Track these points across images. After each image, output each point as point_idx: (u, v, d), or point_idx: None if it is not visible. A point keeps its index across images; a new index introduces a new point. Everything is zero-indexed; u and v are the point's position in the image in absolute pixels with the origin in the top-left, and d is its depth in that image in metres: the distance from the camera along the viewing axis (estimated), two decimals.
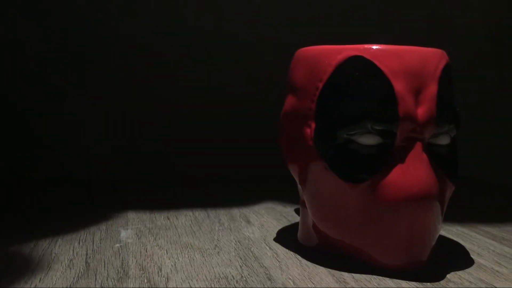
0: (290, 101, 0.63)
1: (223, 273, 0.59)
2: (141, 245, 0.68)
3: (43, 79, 1.13)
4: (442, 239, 0.74)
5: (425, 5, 1.28)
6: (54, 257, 0.63)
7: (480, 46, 1.33)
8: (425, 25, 1.28)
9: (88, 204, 0.91)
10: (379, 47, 0.57)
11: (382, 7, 1.25)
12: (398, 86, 0.55)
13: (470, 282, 0.57)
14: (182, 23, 1.17)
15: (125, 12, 1.14)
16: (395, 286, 0.55)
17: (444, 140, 0.59)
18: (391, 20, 1.26)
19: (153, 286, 0.55)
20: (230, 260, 0.63)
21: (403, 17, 1.27)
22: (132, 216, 0.83)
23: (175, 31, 1.17)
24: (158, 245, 0.68)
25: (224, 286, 0.55)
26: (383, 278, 0.58)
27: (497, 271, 0.61)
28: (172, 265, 0.61)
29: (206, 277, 0.57)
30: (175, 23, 1.17)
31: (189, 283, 0.56)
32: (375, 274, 0.59)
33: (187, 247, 0.68)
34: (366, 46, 0.57)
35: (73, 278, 0.57)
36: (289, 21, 1.22)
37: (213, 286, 0.55)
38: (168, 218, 0.82)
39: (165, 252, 0.66)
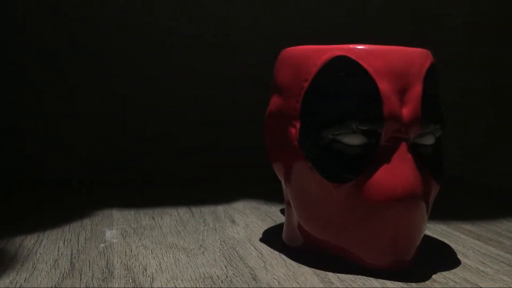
0: (275, 101, 0.63)
1: (208, 273, 0.59)
2: (126, 245, 0.68)
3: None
4: (427, 239, 0.74)
5: (410, 5, 1.28)
6: (39, 257, 0.63)
7: (466, 46, 1.34)
8: (409, 26, 1.28)
9: (73, 204, 0.90)
10: (364, 47, 0.57)
11: (367, 8, 1.26)
12: (383, 86, 0.55)
13: (455, 282, 0.57)
14: (175, 25, 1.17)
15: (116, 13, 1.14)
16: (380, 286, 0.55)
17: (429, 140, 0.59)
18: (376, 20, 1.26)
19: (138, 286, 0.54)
20: (215, 260, 0.63)
21: (388, 17, 1.27)
22: (117, 216, 0.83)
23: (167, 32, 1.17)
24: (143, 245, 0.68)
25: (209, 286, 0.55)
26: (368, 278, 0.58)
27: (482, 271, 0.61)
28: (157, 265, 0.61)
29: (191, 277, 0.57)
30: (168, 24, 1.17)
31: (174, 283, 0.56)
32: (360, 274, 0.59)
33: (172, 247, 0.68)
34: (351, 46, 0.57)
35: (58, 278, 0.56)
36: (276, 21, 1.22)
37: (198, 286, 0.55)
38: (153, 218, 0.82)
39: (150, 252, 0.66)
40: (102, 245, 0.68)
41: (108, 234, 0.73)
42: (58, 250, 0.66)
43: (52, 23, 1.12)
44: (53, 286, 0.54)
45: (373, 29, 1.26)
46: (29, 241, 0.69)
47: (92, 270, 0.59)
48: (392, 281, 0.57)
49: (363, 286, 0.55)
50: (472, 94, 1.35)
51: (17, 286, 0.54)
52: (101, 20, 1.14)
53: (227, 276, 0.58)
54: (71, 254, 0.64)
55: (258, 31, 1.21)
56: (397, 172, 0.55)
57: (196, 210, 0.88)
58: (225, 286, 0.55)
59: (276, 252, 0.66)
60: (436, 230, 0.78)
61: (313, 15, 1.23)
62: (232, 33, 1.20)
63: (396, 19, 1.28)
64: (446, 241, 0.73)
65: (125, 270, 0.59)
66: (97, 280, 0.56)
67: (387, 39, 1.23)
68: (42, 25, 1.11)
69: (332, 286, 0.55)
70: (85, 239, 0.70)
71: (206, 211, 0.87)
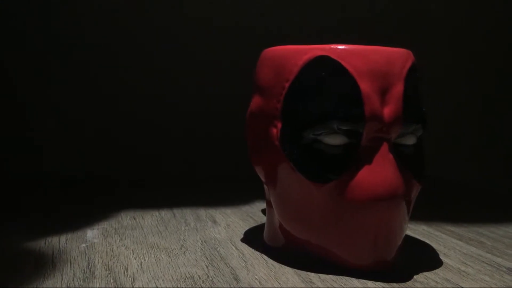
0: (256, 101, 0.63)
1: (189, 273, 0.58)
2: (107, 245, 0.68)
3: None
4: (409, 239, 0.74)
5: (396, 6, 1.28)
6: (19, 257, 0.63)
7: (446, 48, 1.34)
8: (393, 26, 1.29)
9: (54, 204, 0.90)
10: (345, 47, 0.57)
11: (354, 8, 1.26)
12: (364, 86, 0.55)
13: (436, 282, 0.58)
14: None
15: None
16: (361, 286, 0.56)
17: (410, 140, 0.59)
18: (359, 20, 1.27)
19: (119, 286, 0.54)
20: (196, 260, 0.63)
21: (373, 18, 1.27)
22: (98, 215, 0.83)
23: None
24: (124, 245, 0.68)
25: (190, 286, 0.55)
26: (349, 278, 0.58)
27: (463, 271, 0.61)
28: (138, 265, 0.61)
29: (172, 277, 0.57)
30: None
31: (155, 283, 0.55)
32: (341, 274, 0.59)
33: (153, 247, 0.68)
34: (332, 46, 0.57)
35: (39, 279, 0.56)
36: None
37: (179, 286, 0.55)
38: (134, 218, 0.82)
39: (131, 252, 0.65)
40: (83, 245, 0.68)
41: (89, 234, 0.73)
42: (39, 250, 0.65)
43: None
44: (35, 287, 0.54)
45: (357, 29, 1.26)
46: (10, 241, 0.69)
47: (73, 270, 0.59)
48: (373, 281, 0.57)
49: (344, 286, 0.55)
50: (455, 94, 1.35)
51: None
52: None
53: (208, 276, 0.58)
54: (52, 254, 0.64)
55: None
56: (379, 172, 0.55)
57: (177, 210, 0.87)
58: (207, 286, 0.55)
59: (258, 252, 0.66)
60: (417, 230, 0.78)
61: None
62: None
63: (381, 19, 1.28)
64: (428, 241, 0.73)
65: (106, 270, 0.59)
66: (79, 280, 0.56)
67: (369, 39, 1.24)
68: (34, 26, 1.11)
69: (313, 286, 0.55)
70: (66, 239, 0.70)
71: (188, 211, 0.87)
